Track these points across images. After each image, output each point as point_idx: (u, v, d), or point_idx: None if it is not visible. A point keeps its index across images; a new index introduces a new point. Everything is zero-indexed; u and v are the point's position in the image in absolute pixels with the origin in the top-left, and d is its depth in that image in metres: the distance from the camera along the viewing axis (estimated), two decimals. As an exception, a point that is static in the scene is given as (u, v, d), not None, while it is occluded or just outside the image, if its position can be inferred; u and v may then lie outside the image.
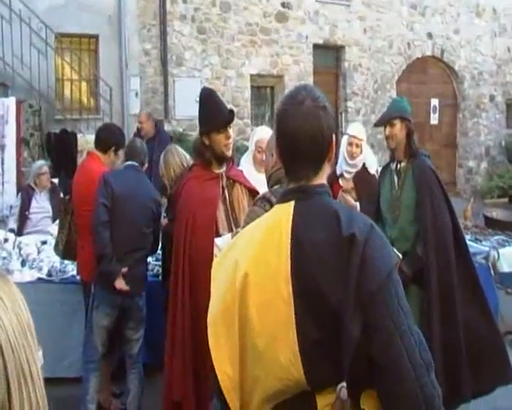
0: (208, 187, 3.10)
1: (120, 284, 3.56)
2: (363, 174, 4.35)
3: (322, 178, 1.53)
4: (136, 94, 9.55)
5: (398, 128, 3.70)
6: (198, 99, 3.17)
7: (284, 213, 1.49)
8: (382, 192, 3.79)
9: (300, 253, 1.43)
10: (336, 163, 4.47)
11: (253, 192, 3.26)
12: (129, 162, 3.87)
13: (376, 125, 3.98)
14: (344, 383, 1.41)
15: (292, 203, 1.50)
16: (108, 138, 4.02)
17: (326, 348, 1.40)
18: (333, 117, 1.58)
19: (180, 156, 4.03)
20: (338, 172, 4.41)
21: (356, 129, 4.50)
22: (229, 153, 3.15)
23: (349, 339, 1.36)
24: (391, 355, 1.37)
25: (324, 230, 1.43)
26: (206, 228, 3.01)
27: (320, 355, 1.41)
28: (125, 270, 3.57)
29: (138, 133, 6.68)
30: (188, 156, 4.13)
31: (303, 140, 1.49)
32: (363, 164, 4.40)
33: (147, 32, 9.75)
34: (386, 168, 3.87)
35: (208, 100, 3.10)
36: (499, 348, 3.54)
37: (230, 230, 3.09)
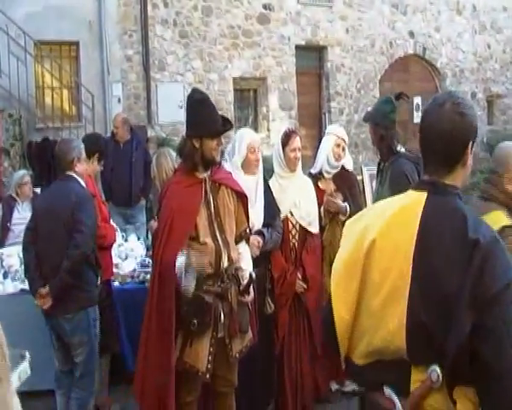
0: (190, 193, 3.09)
1: (38, 301, 3.50)
2: (341, 172, 4.34)
3: (455, 180, 1.69)
4: (119, 100, 9.49)
5: (371, 130, 3.86)
6: (186, 101, 3.16)
7: (417, 200, 1.68)
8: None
9: (425, 240, 1.59)
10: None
11: (240, 195, 3.24)
12: (61, 174, 3.76)
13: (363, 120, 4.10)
14: (436, 367, 1.55)
15: (425, 194, 1.68)
16: (92, 145, 4.04)
17: (429, 331, 1.55)
18: (473, 125, 1.70)
19: (173, 160, 4.06)
20: (314, 172, 4.30)
21: (342, 131, 4.48)
22: (218, 158, 3.17)
23: (460, 332, 1.49)
24: (501, 358, 1.49)
25: (451, 228, 1.59)
26: (177, 241, 3.01)
27: (423, 335, 1.56)
28: (44, 290, 3.45)
29: (113, 137, 6.64)
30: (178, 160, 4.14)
31: (433, 138, 1.68)
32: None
33: (128, 38, 9.70)
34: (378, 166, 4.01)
35: (204, 104, 3.08)
36: None
37: (213, 234, 3.09)
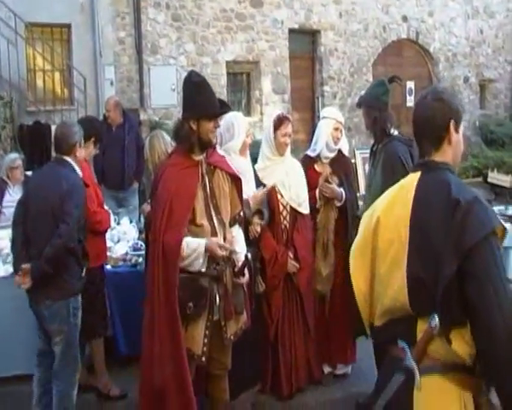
0: (187, 175, 3.08)
1: (19, 280, 3.45)
2: (338, 157, 4.35)
3: (444, 157, 1.98)
4: (112, 83, 9.44)
5: (364, 114, 3.89)
6: (184, 83, 3.14)
7: (412, 179, 1.99)
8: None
9: (418, 209, 1.90)
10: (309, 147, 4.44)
11: (234, 178, 3.26)
12: (56, 156, 3.73)
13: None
14: (435, 315, 1.81)
15: (419, 173, 1.99)
16: (88, 129, 3.97)
17: (426, 284, 1.83)
18: (451, 107, 1.99)
19: (166, 143, 4.03)
20: (314, 155, 4.28)
21: (339, 114, 4.47)
22: (214, 140, 3.19)
23: (445, 276, 1.77)
24: (483, 298, 1.74)
25: (438, 194, 1.89)
26: (179, 222, 3.00)
27: (422, 289, 1.85)
28: (26, 267, 3.40)
29: (105, 121, 6.60)
30: (173, 144, 4.04)
31: (420, 125, 2.02)
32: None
33: (121, 21, 9.63)
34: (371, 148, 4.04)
35: (202, 87, 3.07)
36: None
37: (210, 216, 3.11)
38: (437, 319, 1.81)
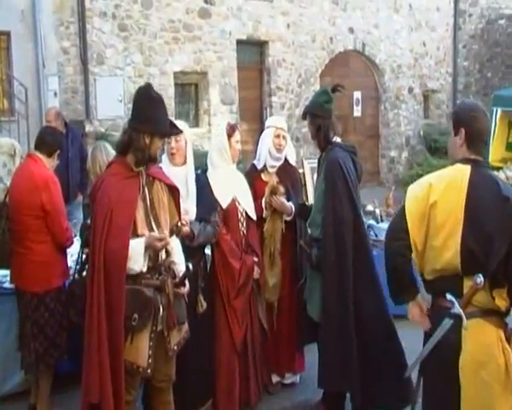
0: (127, 185, 3.05)
1: None
2: (284, 166, 4.37)
3: (482, 157, 2.68)
4: (55, 94, 9.19)
5: (309, 123, 3.92)
6: (140, 94, 3.11)
7: (465, 170, 2.60)
8: None
9: (472, 196, 2.53)
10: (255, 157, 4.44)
11: (172, 189, 3.25)
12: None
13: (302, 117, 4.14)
14: (480, 275, 2.47)
15: (469, 167, 2.60)
16: (54, 142, 4.03)
17: (476, 254, 2.50)
18: (469, 117, 2.69)
19: (108, 155, 4.02)
20: (260, 167, 4.30)
21: (280, 121, 4.48)
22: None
23: (499, 255, 2.48)
24: None
25: (488, 188, 2.55)
26: (122, 229, 2.96)
27: (472, 257, 2.50)
28: None
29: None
30: (114, 154, 4.09)
31: (486, 131, 2.77)
32: (285, 156, 4.35)
33: (65, 30, 9.41)
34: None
35: (160, 104, 3.08)
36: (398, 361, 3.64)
37: (150, 227, 3.08)
38: (482, 277, 2.46)
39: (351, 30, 13.01)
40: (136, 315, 2.95)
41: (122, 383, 2.91)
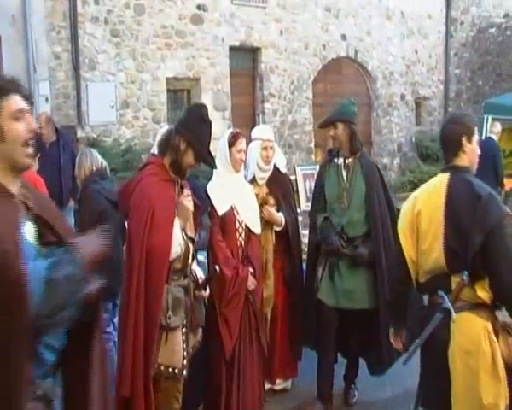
0: (167, 187, 3.13)
1: None
2: (274, 175, 4.34)
3: (463, 162, 2.86)
4: (47, 99, 9.14)
5: (341, 130, 4.13)
6: (200, 112, 3.23)
7: (444, 177, 2.86)
8: (327, 185, 4.23)
9: (450, 200, 2.77)
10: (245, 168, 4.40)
11: (195, 204, 3.32)
12: None
13: (321, 126, 4.44)
14: (466, 272, 2.69)
15: (447, 174, 2.86)
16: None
17: (458, 252, 2.72)
18: (464, 126, 2.90)
19: (92, 159, 4.15)
20: (249, 179, 4.26)
21: (267, 131, 4.48)
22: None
23: (473, 248, 2.66)
24: (501, 263, 2.66)
25: (464, 190, 2.76)
26: (164, 226, 3.03)
27: (455, 255, 2.73)
28: None
29: (39, 138, 6.37)
30: (100, 160, 4.25)
31: (443, 141, 2.95)
32: (274, 164, 4.34)
33: (56, 35, 9.36)
34: (328, 165, 4.30)
35: (209, 130, 3.20)
36: None
37: (182, 229, 3.15)
38: (467, 274, 2.68)
39: (343, 37, 13.05)
40: (170, 313, 3.00)
41: (150, 380, 2.96)
